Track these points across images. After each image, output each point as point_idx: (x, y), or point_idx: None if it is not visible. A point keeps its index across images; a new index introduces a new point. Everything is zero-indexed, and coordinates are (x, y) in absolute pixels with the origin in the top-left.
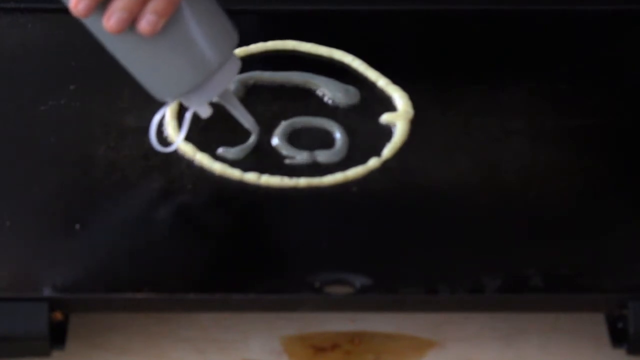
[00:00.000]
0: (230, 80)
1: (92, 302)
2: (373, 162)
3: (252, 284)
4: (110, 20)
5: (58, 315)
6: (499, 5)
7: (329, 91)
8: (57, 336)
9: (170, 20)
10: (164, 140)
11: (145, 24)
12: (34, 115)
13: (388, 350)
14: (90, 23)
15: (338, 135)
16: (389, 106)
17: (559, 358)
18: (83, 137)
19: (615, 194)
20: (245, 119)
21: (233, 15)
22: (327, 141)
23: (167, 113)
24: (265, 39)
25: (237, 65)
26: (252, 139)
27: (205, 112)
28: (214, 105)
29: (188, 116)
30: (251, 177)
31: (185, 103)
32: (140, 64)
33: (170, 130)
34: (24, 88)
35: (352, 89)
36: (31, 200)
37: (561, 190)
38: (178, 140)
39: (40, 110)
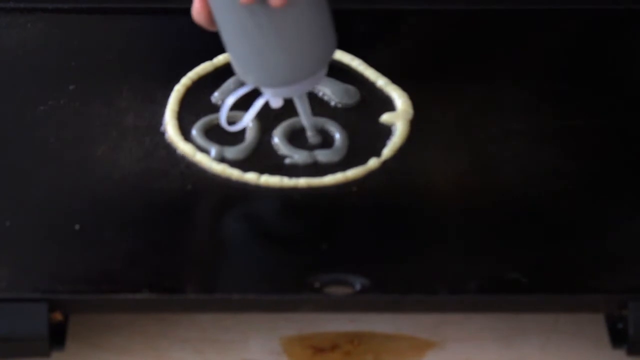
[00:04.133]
0: (318, 81)
1: (91, 303)
2: (373, 162)
3: (252, 284)
4: None
5: (58, 316)
6: (499, 5)
7: (328, 91)
8: (57, 337)
9: (295, 11)
10: (165, 141)
11: None
12: (34, 115)
13: (387, 350)
14: None
15: (338, 135)
16: (389, 106)
17: (558, 359)
18: (83, 137)
19: (615, 194)
20: (308, 119)
21: None
22: (326, 141)
23: (167, 113)
24: None
25: (325, 70)
26: (252, 139)
27: (277, 103)
28: (212, 105)
29: (260, 103)
30: (251, 177)
31: (266, 91)
32: (258, 43)
33: (171, 131)
34: (24, 88)
35: (351, 89)
36: (31, 200)
37: (561, 190)
38: (244, 122)
39: (40, 110)
